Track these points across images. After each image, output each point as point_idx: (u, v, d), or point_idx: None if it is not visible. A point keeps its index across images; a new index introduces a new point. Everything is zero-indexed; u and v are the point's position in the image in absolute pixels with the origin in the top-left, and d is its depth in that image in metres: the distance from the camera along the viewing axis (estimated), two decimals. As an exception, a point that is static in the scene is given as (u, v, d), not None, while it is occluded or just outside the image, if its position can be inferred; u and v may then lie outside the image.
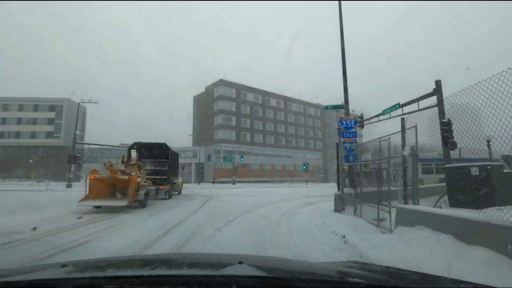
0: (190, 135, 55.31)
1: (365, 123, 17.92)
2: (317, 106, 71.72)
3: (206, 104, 56.57)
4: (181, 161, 19.73)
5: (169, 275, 1.03)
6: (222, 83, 53.64)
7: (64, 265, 1.15)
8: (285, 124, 63.11)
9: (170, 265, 1.33)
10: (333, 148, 77.27)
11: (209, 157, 45.38)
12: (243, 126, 55.42)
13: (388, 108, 12.91)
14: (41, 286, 0.92)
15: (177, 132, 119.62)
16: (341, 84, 12.03)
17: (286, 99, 64.55)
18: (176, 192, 17.70)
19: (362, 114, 18.22)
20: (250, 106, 57.07)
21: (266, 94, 60.59)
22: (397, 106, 12.01)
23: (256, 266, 1.17)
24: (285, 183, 50.23)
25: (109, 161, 10.11)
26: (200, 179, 48.50)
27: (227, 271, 1.10)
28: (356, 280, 1.08)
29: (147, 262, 1.33)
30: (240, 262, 1.15)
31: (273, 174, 58.28)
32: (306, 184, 41.95)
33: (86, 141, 48.37)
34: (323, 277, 1.16)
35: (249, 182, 49.75)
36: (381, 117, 14.26)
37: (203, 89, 59.31)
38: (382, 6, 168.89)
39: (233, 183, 42.73)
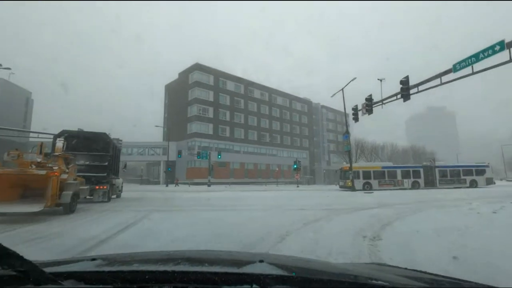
0: (156, 126, 47.02)
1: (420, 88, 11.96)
2: (304, 100, 65.78)
3: (179, 93, 48.74)
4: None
5: (191, 272, 1.05)
6: (198, 67, 46.05)
7: (93, 259, 1.22)
8: (270, 118, 56.47)
9: (193, 261, 1.34)
10: (320, 147, 72.29)
11: (179, 154, 37.72)
12: (222, 119, 48.13)
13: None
14: (72, 278, 0.96)
15: (148, 125, 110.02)
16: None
17: (271, 91, 57.94)
18: (115, 196, 14.93)
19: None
20: (230, 97, 49.87)
21: (249, 83, 53.64)
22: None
23: (277, 265, 1.21)
24: (269, 185, 43.48)
25: (16, 149, 8.15)
26: (169, 180, 40.70)
27: (248, 269, 1.14)
28: (380, 282, 1.08)
29: (170, 258, 1.36)
30: (261, 261, 1.19)
31: (256, 174, 51.39)
32: (298, 186, 35.33)
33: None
34: (345, 278, 1.14)
35: (227, 183, 42.55)
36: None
37: (177, 76, 51.41)
38: None
39: (209, 185, 35.46)
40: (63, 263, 1.24)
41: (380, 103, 15.17)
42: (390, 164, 28.72)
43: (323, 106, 71.63)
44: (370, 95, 15.28)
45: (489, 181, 27.35)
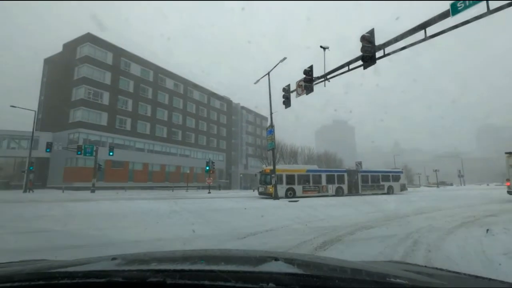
0: (13, 106, 34.29)
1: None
2: (224, 99, 60.89)
3: (62, 70, 37.28)
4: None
5: (208, 270, 1.07)
6: (90, 39, 35.85)
7: (114, 258, 1.25)
8: (184, 114, 49.40)
9: (209, 261, 1.36)
10: (238, 150, 68.45)
11: (48, 148, 27.47)
12: (121, 108, 38.83)
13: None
14: (94, 276, 0.99)
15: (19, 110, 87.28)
16: None
17: (187, 83, 51.01)
18: None
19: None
20: (135, 82, 40.96)
21: (160, 70, 45.58)
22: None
23: (292, 263, 1.23)
24: (178, 190, 36.50)
25: None
26: (40, 183, 29.56)
27: (264, 267, 1.15)
28: (399, 281, 1.06)
29: (187, 257, 1.37)
30: (276, 259, 1.19)
31: (163, 177, 43.48)
32: (209, 192, 29.49)
33: None
34: (362, 276, 1.13)
35: (123, 188, 33.74)
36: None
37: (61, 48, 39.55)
38: None
39: (93, 190, 26.57)
40: (84, 262, 1.26)
41: (323, 78, 10.77)
42: (315, 167, 25.88)
43: (243, 107, 68.19)
44: (311, 67, 10.82)
45: (403, 187, 27.24)
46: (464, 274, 1.30)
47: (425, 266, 1.55)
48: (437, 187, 50.61)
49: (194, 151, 50.37)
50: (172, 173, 45.29)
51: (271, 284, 0.89)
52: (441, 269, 1.44)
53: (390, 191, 26.04)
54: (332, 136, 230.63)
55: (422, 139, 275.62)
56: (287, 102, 13.45)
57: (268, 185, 20.57)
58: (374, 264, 1.56)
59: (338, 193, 23.53)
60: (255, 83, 20.93)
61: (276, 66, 18.65)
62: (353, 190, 24.25)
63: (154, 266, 1.14)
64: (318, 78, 11.19)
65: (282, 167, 23.36)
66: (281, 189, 20.84)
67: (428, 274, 1.32)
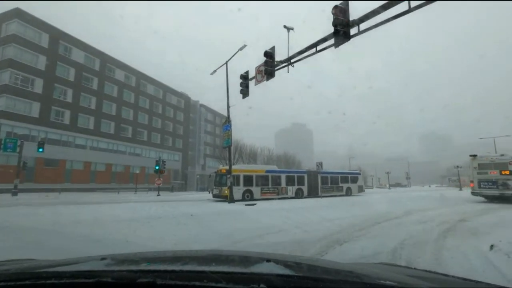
0: None
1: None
2: (181, 95, 57.45)
3: (-17, 50, 31.29)
4: None
5: (199, 271, 1.07)
6: (19, 15, 30.59)
7: (103, 258, 1.23)
8: (136, 108, 45.25)
9: (200, 261, 1.33)
10: (196, 150, 65.23)
11: (-47, 140, 22.39)
12: (58, 98, 33.89)
13: None
14: (83, 276, 0.98)
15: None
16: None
17: (141, 76, 46.91)
18: None
19: None
20: (77, 70, 36.16)
21: (108, 59, 41.07)
22: None
23: (284, 265, 1.22)
24: (125, 193, 32.76)
25: None
26: None
27: (255, 268, 1.15)
28: (389, 283, 1.08)
29: (178, 257, 1.37)
30: (268, 261, 1.20)
31: (108, 178, 39.10)
32: (158, 194, 26.49)
33: None
34: (352, 278, 1.14)
35: (57, 190, 29.16)
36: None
37: (-17, 25, 33.30)
38: None
39: (15, 193, 22.24)
40: (72, 262, 1.24)
41: (287, 63, 9.22)
42: (275, 167, 24.49)
43: (202, 105, 65.23)
44: (272, 48, 9.22)
45: (361, 189, 27.14)
46: (453, 276, 1.33)
47: (414, 268, 1.60)
48: (389, 188, 52.94)
49: (147, 150, 46.41)
50: (120, 173, 41.00)
51: (262, 285, 0.90)
52: (429, 271, 1.45)
53: (348, 192, 25.71)
54: (291, 138, 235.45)
55: (374, 143, 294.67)
56: (245, 91, 11.66)
57: (224, 186, 18.61)
58: (365, 266, 1.56)
59: (298, 195, 22.41)
60: (211, 73, 18.86)
61: (241, 56, 16.80)
62: (313, 192, 23.34)
63: (144, 266, 1.11)
64: (282, 62, 9.60)
65: (239, 167, 21.56)
66: (238, 191, 19.02)
67: (417, 276, 1.33)
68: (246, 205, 15.39)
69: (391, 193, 33.24)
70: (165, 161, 29.23)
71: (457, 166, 40.24)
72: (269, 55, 9.48)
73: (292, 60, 9.30)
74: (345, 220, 8.78)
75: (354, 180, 26.61)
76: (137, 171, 42.91)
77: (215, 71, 18.67)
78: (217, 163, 50.53)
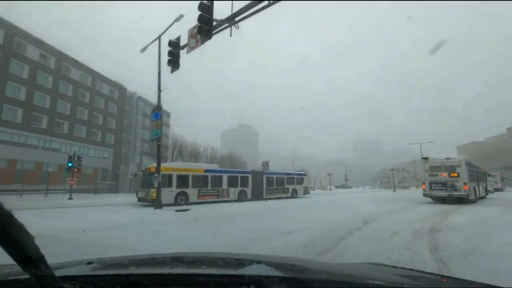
0: None
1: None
2: (115, 84, 50.91)
3: None
4: None
5: (188, 274, 1.05)
6: None
7: (89, 262, 1.20)
8: (54, 95, 38.07)
9: (190, 264, 1.35)
10: (131, 147, 58.67)
11: None
12: None
13: None
14: (69, 281, 0.96)
15: None
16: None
17: (61, 56, 39.72)
18: None
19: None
20: (-32, 40, 28.45)
21: (17, 31, 33.59)
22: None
23: (274, 266, 1.22)
24: (30, 195, 26.49)
25: None
26: None
27: (246, 270, 1.15)
28: (377, 282, 1.10)
29: (167, 260, 1.36)
30: (258, 262, 1.22)
31: (11, 177, 31.78)
32: (70, 198, 21.41)
33: None
34: (342, 278, 1.16)
35: None
36: None
37: None
38: None
39: None
40: (57, 267, 1.19)
41: (230, 22, 6.66)
42: (216, 167, 21.78)
43: (140, 98, 59.08)
44: (211, 1, 6.49)
45: (306, 190, 26.06)
46: (442, 275, 1.34)
47: (402, 268, 1.51)
48: (330, 189, 54.31)
49: (67, 144, 39.42)
50: (28, 171, 33.84)
51: (252, 287, 0.90)
52: (417, 270, 1.44)
53: (294, 194, 24.35)
54: (238, 139, 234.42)
55: (315, 146, 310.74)
56: (174, 62, 8.83)
57: (153, 188, 15.30)
58: (354, 266, 1.57)
59: (241, 197, 20.12)
60: (141, 50, 15.40)
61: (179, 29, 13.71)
62: (257, 194, 21.30)
63: (132, 270, 1.09)
64: (223, 21, 7.10)
65: (172, 165, 18.35)
66: (169, 193, 15.89)
67: (406, 275, 1.33)
68: (177, 211, 12.50)
69: (336, 195, 33.26)
70: (81, 157, 24.17)
71: (392, 169, 42.76)
72: (205, 8, 6.89)
73: (237, 18, 6.87)
74: (297, 234, 6.63)
75: (300, 181, 25.42)
76: (53, 169, 36.01)
77: (145, 47, 15.29)
78: (154, 161, 45.69)
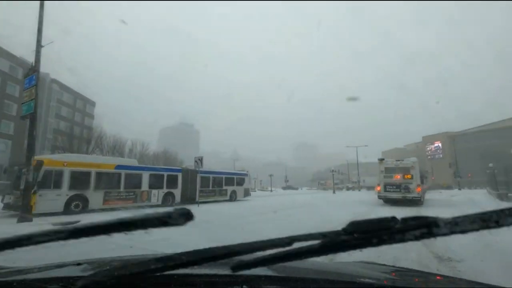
0: None
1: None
2: (18, 60, 41.10)
3: None
4: None
5: (181, 274, 1.02)
6: None
7: (78, 264, 1.20)
8: None
9: (183, 264, 1.19)
10: (39, 138, 48.50)
11: None
12: None
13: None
14: (55, 283, 0.94)
15: None
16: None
17: None
18: None
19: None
20: None
21: None
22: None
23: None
24: None
25: None
26: None
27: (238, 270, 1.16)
28: (368, 280, 1.12)
29: (159, 261, 1.22)
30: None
31: None
32: None
33: None
34: (333, 277, 1.18)
35: None
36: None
37: None
38: None
39: None
40: (44, 268, 1.20)
41: None
42: (134, 162, 17.26)
43: (54, 80, 49.38)
44: None
45: (247, 192, 23.18)
46: (435, 274, 1.35)
47: (393, 266, 1.54)
48: (270, 191, 52.81)
49: None
50: None
51: (244, 286, 0.92)
52: (411, 269, 1.47)
53: (233, 197, 21.23)
54: (177, 137, 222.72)
55: (256, 147, 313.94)
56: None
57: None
58: (346, 265, 1.60)
59: (167, 201, 16.15)
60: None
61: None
62: (188, 197, 17.57)
63: (122, 271, 1.00)
64: None
65: (63, 158, 13.43)
66: (57, 198, 11.21)
67: (398, 274, 1.35)
68: (54, 224, 8.18)
69: (281, 196, 31.06)
70: None
71: (333, 170, 42.99)
72: None
73: None
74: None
75: (241, 182, 22.43)
76: None
77: None
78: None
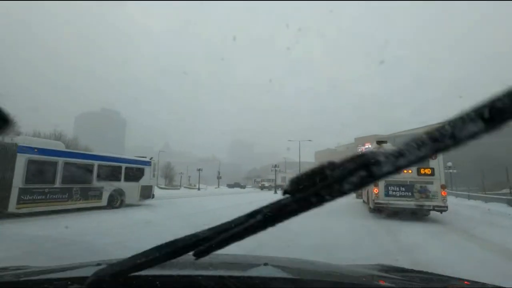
0: None
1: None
2: None
3: None
4: None
5: (195, 275, 1.03)
6: None
7: (99, 264, 1.22)
8: None
9: (197, 265, 1.34)
10: None
11: None
12: None
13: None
14: (78, 283, 0.96)
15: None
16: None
17: None
18: None
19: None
20: None
21: None
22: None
23: (282, 268, 1.22)
24: None
25: None
26: None
27: (253, 272, 1.13)
28: (386, 284, 1.10)
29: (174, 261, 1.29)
30: (265, 264, 1.19)
31: None
32: None
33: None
34: (349, 280, 1.16)
35: None
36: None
37: None
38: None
39: None
40: (67, 268, 1.23)
41: None
42: None
43: None
44: None
45: (146, 193, 14.00)
46: (452, 277, 1.29)
47: (412, 270, 1.47)
48: (198, 189, 43.91)
49: None
50: None
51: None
52: (429, 273, 1.41)
53: (115, 201, 12.15)
54: (98, 126, 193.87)
55: (190, 143, 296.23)
56: None
57: None
58: (361, 268, 1.55)
59: None
60: None
61: None
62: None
63: (140, 271, 1.00)
64: None
65: None
66: None
67: (415, 277, 1.31)
68: None
69: (205, 197, 22.45)
70: None
71: (275, 166, 36.41)
72: None
73: None
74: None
75: (136, 175, 13.41)
76: None
77: None
78: None
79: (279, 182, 42.14)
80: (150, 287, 0.91)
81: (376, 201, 9.39)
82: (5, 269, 1.30)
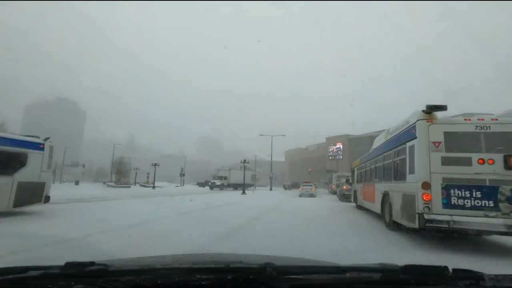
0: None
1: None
2: None
3: None
4: None
5: (199, 276, 1.03)
6: None
7: (102, 264, 1.22)
8: None
9: (200, 264, 1.32)
10: None
11: None
12: None
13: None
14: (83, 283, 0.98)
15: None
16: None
17: None
18: None
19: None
20: None
21: None
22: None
23: (285, 267, 1.24)
24: None
25: None
26: None
27: (255, 271, 1.13)
28: (389, 285, 1.11)
29: (178, 261, 1.32)
30: (268, 263, 1.21)
31: None
32: None
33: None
34: (352, 280, 1.16)
35: None
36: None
37: None
38: None
39: None
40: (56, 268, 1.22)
41: None
42: None
43: None
44: None
45: (38, 195, 8.75)
46: (453, 276, 1.25)
47: (413, 270, 1.38)
48: (153, 188, 38.13)
49: None
50: None
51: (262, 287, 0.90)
52: (429, 270, 1.39)
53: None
54: (51, 117, 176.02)
55: (158, 140, 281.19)
56: None
57: None
58: (364, 267, 1.48)
59: None
60: None
61: None
62: None
63: (144, 272, 1.08)
64: None
65: None
66: None
67: (416, 277, 1.29)
68: None
69: (151, 199, 17.25)
70: None
71: (244, 161, 31.97)
72: None
73: None
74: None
75: (9, 165, 8.13)
76: None
77: None
78: None
79: (248, 180, 37.59)
80: (151, 285, 0.90)
81: (427, 215, 5.12)
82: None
